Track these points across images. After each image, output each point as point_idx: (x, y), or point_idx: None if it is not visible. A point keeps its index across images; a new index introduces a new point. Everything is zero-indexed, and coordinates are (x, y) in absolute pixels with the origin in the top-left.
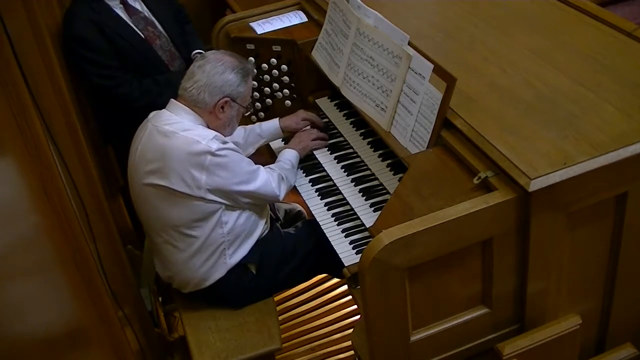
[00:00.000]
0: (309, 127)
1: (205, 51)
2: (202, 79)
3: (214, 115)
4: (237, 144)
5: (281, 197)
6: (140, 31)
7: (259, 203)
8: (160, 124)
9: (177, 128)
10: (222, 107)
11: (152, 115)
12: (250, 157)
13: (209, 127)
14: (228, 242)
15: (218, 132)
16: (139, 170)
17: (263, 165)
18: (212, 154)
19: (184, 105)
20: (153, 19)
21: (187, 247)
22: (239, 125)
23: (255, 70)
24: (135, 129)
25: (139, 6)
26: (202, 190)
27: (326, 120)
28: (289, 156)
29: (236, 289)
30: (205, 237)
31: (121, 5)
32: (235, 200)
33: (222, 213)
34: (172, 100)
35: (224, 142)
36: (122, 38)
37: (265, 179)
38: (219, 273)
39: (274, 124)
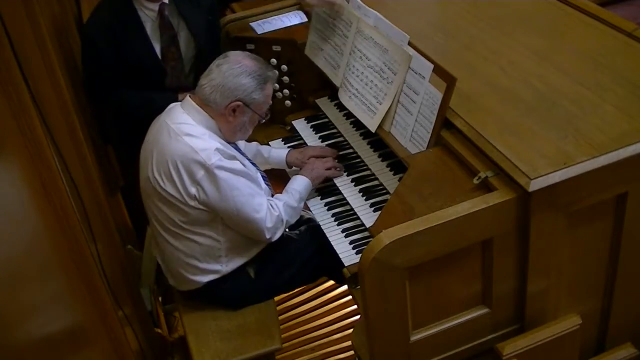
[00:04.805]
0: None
1: None
2: (217, 78)
3: (224, 117)
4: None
5: (273, 240)
6: (161, 49)
7: (243, 234)
8: (170, 122)
9: (181, 131)
10: (234, 111)
11: (168, 109)
12: None
13: (219, 130)
14: (224, 251)
15: (227, 136)
16: (147, 162)
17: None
18: (207, 169)
19: (196, 105)
20: (184, 37)
21: (183, 247)
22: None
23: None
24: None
25: (175, 22)
26: (192, 200)
27: (326, 120)
28: (300, 186)
29: (234, 292)
30: (201, 242)
31: (157, 17)
32: (223, 219)
33: (219, 224)
34: (187, 97)
35: (231, 157)
36: (135, 57)
37: (260, 217)
38: (213, 276)
39: (281, 155)
